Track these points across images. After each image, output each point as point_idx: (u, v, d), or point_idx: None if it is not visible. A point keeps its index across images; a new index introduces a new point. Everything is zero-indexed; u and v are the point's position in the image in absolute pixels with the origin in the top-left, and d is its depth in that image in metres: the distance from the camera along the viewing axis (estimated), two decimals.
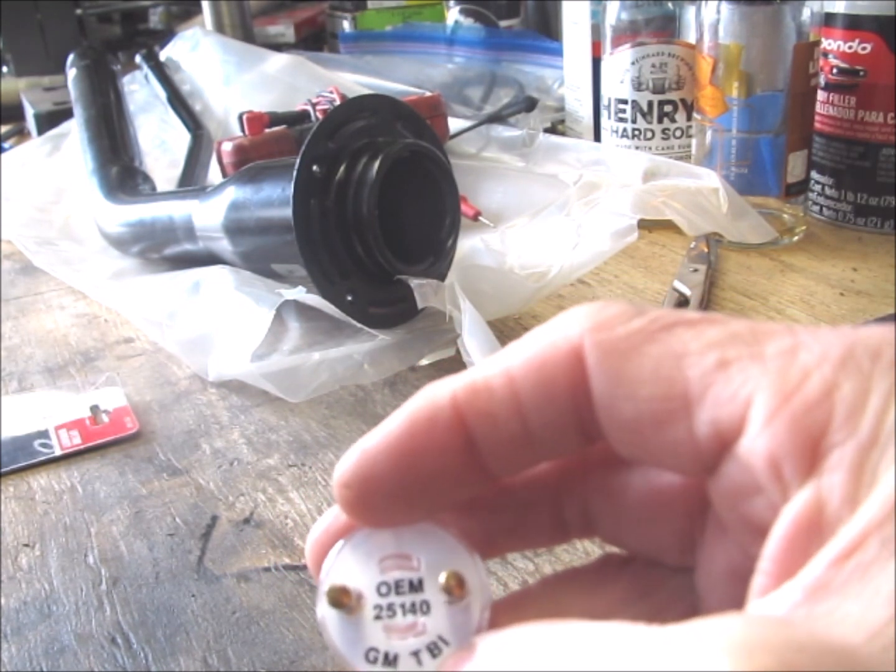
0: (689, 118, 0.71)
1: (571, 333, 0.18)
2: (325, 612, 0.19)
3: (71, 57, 0.94)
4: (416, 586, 0.19)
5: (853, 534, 0.14)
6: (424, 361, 0.53)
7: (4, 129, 1.12)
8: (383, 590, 0.19)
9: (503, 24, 1.13)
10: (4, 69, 1.27)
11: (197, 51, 1.00)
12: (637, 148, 0.73)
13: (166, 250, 0.65)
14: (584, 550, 0.37)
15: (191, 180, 0.77)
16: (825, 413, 0.15)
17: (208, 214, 0.58)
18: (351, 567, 0.19)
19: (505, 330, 0.56)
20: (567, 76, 0.85)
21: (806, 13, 0.60)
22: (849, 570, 0.14)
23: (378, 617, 0.19)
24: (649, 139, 0.73)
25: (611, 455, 0.19)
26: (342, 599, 0.19)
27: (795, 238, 0.66)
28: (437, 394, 0.19)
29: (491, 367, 0.19)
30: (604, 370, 0.17)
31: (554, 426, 0.19)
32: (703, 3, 0.63)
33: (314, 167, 0.50)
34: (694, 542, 0.20)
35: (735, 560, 0.19)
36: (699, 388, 0.16)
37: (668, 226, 0.62)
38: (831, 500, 0.15)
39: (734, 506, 0.17)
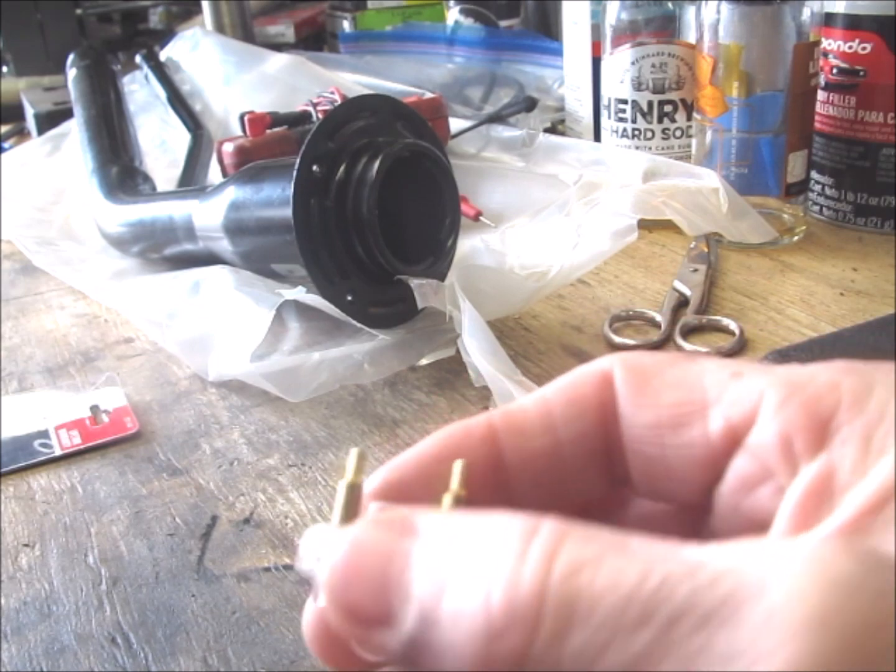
0: (689, 118, 0.71)
1: (602, 363, 0.20)
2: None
3: (71, 57, 0.94)
4: None
5: (873, 489, 0.15)
6: (424, 361, 0.53)
7: (4, 129, 1.12)
8: None
9: (503, 24, 1.13)
10: (4, 69, 1.27)
11: (197, 51, 1.00)
12: (637, 148, 0.73)
13: (166, 250, 0.65)
14: None
15: (191, 180, 0.77)
16: (833, 400, 0.17)
17: (208, 214, 0.58)
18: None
19: (505, 330, 0.56)
20: (567, 76, 0.85)
21: (806, 13, 0.60)
22: (879, 520, 0.15)
23: None
24: (649, 139, 0.73)
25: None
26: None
27: (795, 238, 0.66)
28: (473, 419, 0.20)
29: (526, 397, 0.20)
30: (629, 383, 0.19)
31: (582, 441, 0.19)
32: (703, 3, 0.63)
33: (314, 167, 0.50)
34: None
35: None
36: (715, 394, 0.18)
37: (668, 226, 0.62)
38: (841, 468, 0.16)
39: (739, 504, 0.18)
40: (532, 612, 0.14)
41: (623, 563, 0.14)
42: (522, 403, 0.20)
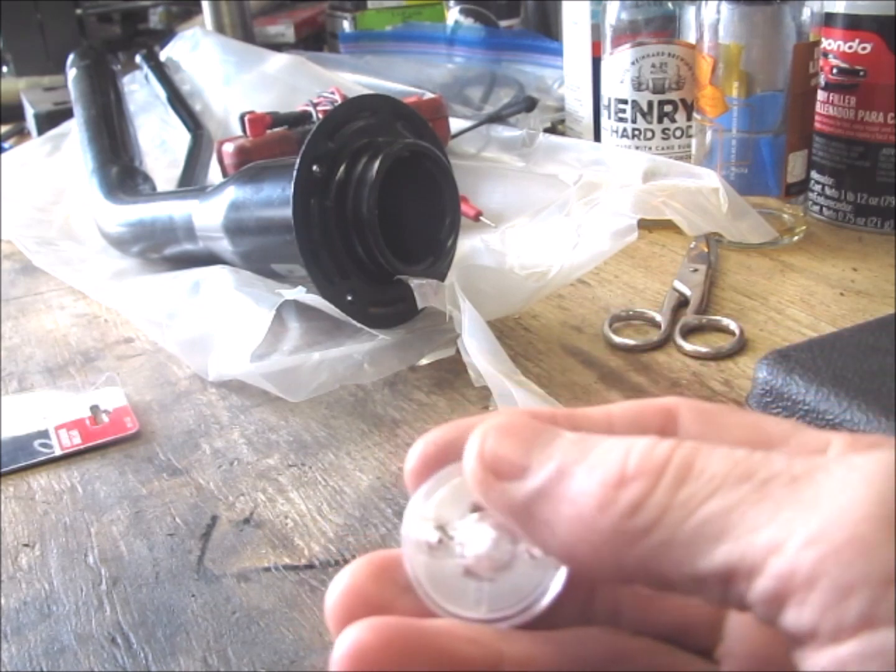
0: (689, 118, 0.71)
1: (666, 400, 0.22)
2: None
3: (71, 57, 0.94)
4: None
5: None
6: (424, 361, 0.53)
7: (4, 129, 1.12)
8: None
9: (503, 24, 1.13)
10: (4, 69, 1.27)
11: (197, 51, 1.00)
12: (637, 148, 0.73)
13: (166, 250, 0.65)
14: None
15: (191, 180, 0.77)
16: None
17: (208, 214, 0.58)
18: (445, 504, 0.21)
19: (505, 330, 0.56)
20: (567, 76, 0.85)
21: (806, 13, 0.60)
22: None
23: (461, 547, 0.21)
24: (649, 139, 0.73)
25: None
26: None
27: (795, 238, 0.66)
28: (538, 409, 0.23)
29: (591, 408, 0.22)
30: (695, 419, 0.21)
31: None
32: (703, 3, 0.63)
33: (314, 167, 0.50)
34: (721, 624, 0.21)
35: (758, 646, 0.20)
36: (780, 438, 0.20)
37: (668, 226, 0.62)
38: None
39: None
40: (659, 468, 0.18)
41: (732, 450, 0.18)
42: (586, 410, 0.22)
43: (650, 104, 0.72)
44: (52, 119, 0.98)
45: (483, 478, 0.20)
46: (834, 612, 0.15)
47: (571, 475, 0.19)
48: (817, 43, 0.62)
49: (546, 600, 0.20)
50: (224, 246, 0.57)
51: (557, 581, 0.20)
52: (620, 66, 0.71)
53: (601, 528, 0.18)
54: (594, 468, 0.18)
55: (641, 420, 0.21)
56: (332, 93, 0.77)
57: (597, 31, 0.77)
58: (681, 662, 0.21)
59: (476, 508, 0.21)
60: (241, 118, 0.72)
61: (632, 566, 0.18)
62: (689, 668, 0.21)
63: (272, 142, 0.71)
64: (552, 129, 0.88)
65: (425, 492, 0.21)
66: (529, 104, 0.87)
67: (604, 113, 0.75)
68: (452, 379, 0.51)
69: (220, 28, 1.19)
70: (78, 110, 0.85)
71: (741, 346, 0.52)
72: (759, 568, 0.16)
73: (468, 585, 0.20)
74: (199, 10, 1.27)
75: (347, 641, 0.19)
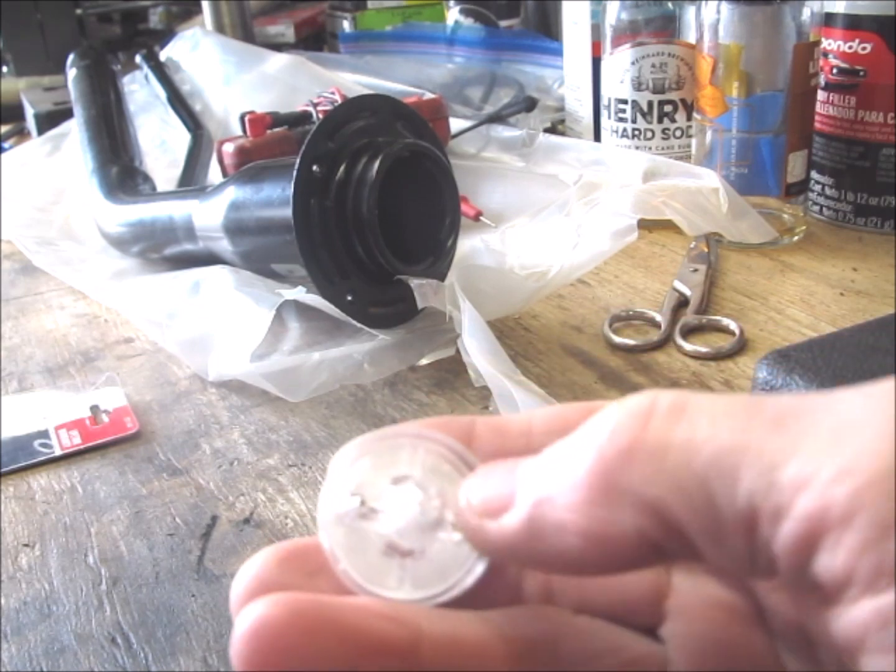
0: (689, 118, 0.71)
1: (592, 403, 0.20)
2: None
3: (71, 57, 0.94)
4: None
5: None
6: (424, 361, 0.53)
7: (4, 129, 1.12)
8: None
9: (503, 24, 1.13)
10: (4, 69, 1.27)
11: (197, 51, 1.00)
12: (637, 148, 0.73)
13: (166, 250, 0.65)
14: None
15: (191, 180, 0.77)
16: None
17: (208, 214, 0.58)
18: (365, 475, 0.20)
19: (505, 330, 0.56)
20: (567, 76, 0.85)
21: (806, 13, 0.60)
22: None
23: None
24: (649, 139, 0.73)
25: None
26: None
27: (795, 238, 0.66)
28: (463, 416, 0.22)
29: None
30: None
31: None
32: (703, 3, 0.63)
33: (314, 167, 0.50)
34: (663, 602, 0.20)
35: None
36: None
37: (668, 226, 0.62)
38: None
39: None
40: (644, 411, 0.17)
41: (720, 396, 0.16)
42: (508, 416, 0.21)
43: (650, 104, 0.72)
44: (52, 119, 0.98)
45: (481, 527, 0.19)
46: (874, 553, 0.13)
47: (556, 463, 0.18)
48: (817, 43, 0.62)
49: (472, 578, 0.19)
50: (224, 246, 0.57)
51: (484, 558, 0.19)
52: (620, 66, 0.71)
53: (602, 492, 0.16)
54: (573, 445, 0.17)
55: (563, 421, 0.20)
56: (332, 93, 0.77)
57: (597, 31, 0.77)
58: (625, 641, 0.20)
59: (399, 480, 0.20)
60: (241, 118, 0.72)
61: (651, 528, 0.16)
62: (635, 647, 0.20)
63: (272, 142, 0.71)
64: (552, 129, 0.88)
65: (344, 463, 0.20)
66: (529, 104, 0.87)
67: (604, 113, 0.75)
68: (452, 379, 0.51)
69: (220, 28, 1.19)
70: (78, 110, 0.85)
71: (741, 346, 0.52)
72: (785, 508, 0.14)
73: (391, 563, 0.19)
74: (199, 10, 1.27)
75: (250, 617, 0.17)
